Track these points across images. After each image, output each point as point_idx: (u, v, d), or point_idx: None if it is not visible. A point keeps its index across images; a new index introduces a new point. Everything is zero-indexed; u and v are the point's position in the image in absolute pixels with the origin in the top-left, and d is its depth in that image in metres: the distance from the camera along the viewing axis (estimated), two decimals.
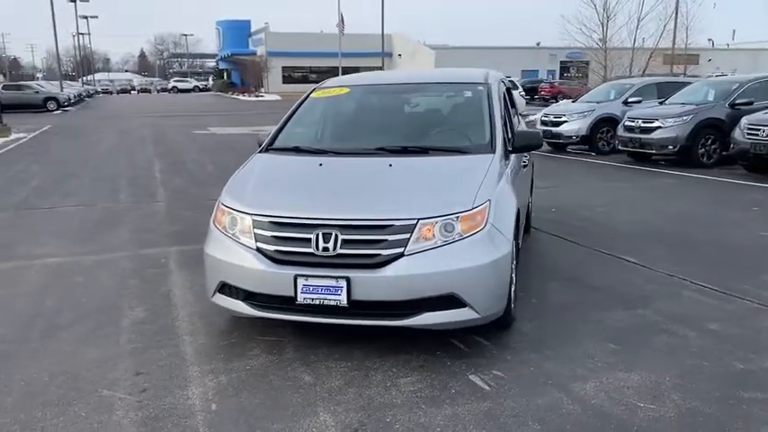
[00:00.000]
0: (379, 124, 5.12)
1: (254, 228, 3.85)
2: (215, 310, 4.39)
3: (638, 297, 4.87)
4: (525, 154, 5.69)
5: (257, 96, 49.69)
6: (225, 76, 64.75)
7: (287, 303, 3.73)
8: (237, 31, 61.64)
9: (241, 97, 50.82)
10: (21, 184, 11.08)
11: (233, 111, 35.51)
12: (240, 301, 3.91)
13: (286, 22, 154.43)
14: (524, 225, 6.24)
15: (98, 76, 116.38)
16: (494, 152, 4.39)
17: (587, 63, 39.92)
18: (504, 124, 4.83)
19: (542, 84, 44.39)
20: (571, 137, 14.62)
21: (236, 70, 61.55)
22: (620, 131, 13.05)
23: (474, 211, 3.76)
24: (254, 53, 59.02)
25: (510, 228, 3.94)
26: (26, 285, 5.39)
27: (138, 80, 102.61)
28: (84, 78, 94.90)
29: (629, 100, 14.54)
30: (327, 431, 3.05)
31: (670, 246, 6.40)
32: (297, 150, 4.70)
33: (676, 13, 30.32)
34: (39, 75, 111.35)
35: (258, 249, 3.80)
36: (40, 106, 36.27)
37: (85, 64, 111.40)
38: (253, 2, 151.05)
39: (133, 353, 3.98)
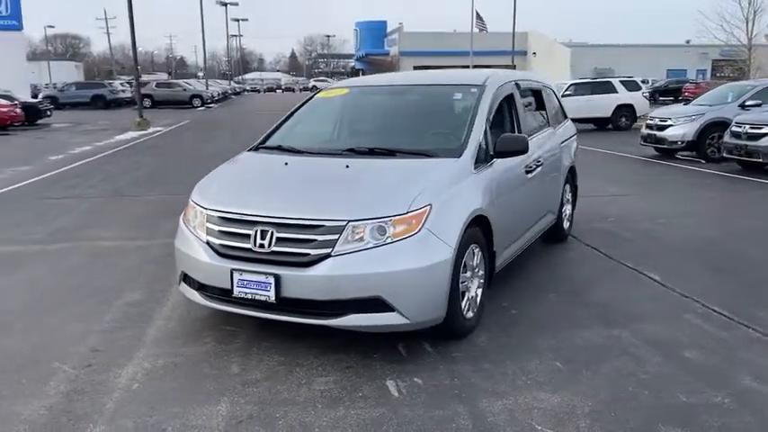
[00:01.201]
0: (361, 125, 5.17)
1: (206, 222, 4.07)
2: None
3: (629, 317, 4.54)
4: (540, 160, 5.48)
5: None
6: (359, 76, 66.69)
7: (226, 295, 3.91)
8: (374, 31, 63.11)
9: None
10: (127, 174, 12.23)
11: None
12: (195, 291, 4.15)
13: (423, 22, 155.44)
14: (544, 232, 6.04)
15: (251, 75, 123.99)
16: (458, 156, 4.29)
17: (744, 62, 36.51)
18: (491, 128, 4.69)
19: (687, 84, 41.39)
20: (675, 142, 13.59)
21: (371, 70, 63.07)
22: (726, 137, 11.96)
23: (409, 215, 3.71)
24: (387, 53, 60.22)
25: (454, 235, 3.83)
26: (65, 264, 6.01)
27: (285, 79, 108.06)
28: (239, 77, 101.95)
29: (747, 103, 13.25)
30: (214, 419, 3.19)
31: (713, 265, 5.84)
32: (279, 149, 4.86)
33: None
34: (200, 73, 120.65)
35: (207, 243, 4.01)
36: (186, 103, 39.48)
37: (241, 64, 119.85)
38: (399, 3, 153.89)
39: (105, 331, 4.35)
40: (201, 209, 4.15)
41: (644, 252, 6.28)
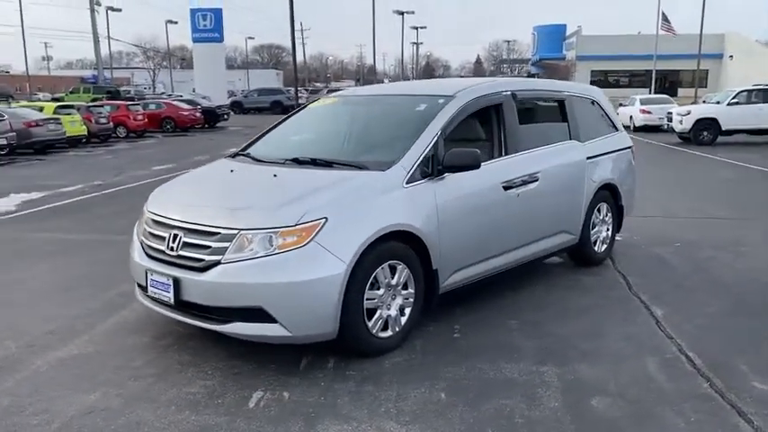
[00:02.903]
0: (322, 135, 5.16)
1: (143, 223, 4.36)
2: None
3: (579, 354, 4.08)
4: (537, 176, 5.08)
5: None
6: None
7: (146, 293, 4.17)
8: (553, 35, 61.03)
9: None
10: None
11: None
12: (138, 288, 4.46)
13: (608, 25, 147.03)
14: (571, 253, 5.93)
15: None
16: (385, 170, 4.15)
17: None
18: (458, 141, 4.47)
19: None
20: None
21: (546, 74, 61.17)
22: None
23: (298, 227, 3.69)
24: (563, 57, 58.03)
25: (351, 250, 3.73)
26: (107, 254, 6.69)
27: None
28: None
29: None
30: (72, 407, 3.43)
31: (747, 306, 4.98)
32: (248, 157, 5.01)
33: None
34: (386, 80, 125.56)
35: (141, 243, 4.30)
36: None
37: (426, 70, 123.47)
38: (588, 6, 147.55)
39: (75, 317, 4.81)
40: (145, 211, 4.46)
41: (676, 284, 5.55)
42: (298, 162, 4.54)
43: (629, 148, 6.62)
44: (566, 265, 6.15)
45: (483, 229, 4.68)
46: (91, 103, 25.40)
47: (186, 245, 3.92)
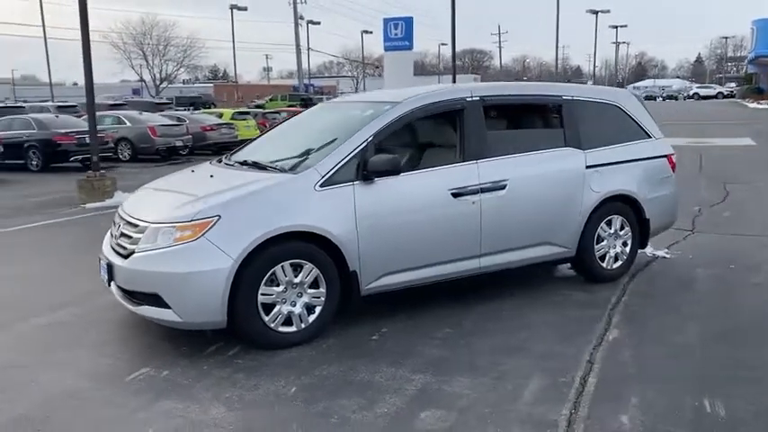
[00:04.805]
0: (284, 139, 5.41)
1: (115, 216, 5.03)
2: None
3: (468, 367, 3.95)
4: (504, 183, 4.91)
5: None
6: (752, 81, 57.72)
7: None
8: None
9: (749, 104, 44.67)
10: None
11: (719, 120, 30.62)
12: None
13: None
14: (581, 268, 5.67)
15: (644, 82, 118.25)
16: (296, 173, 4.36)
17: None
18: (371, 147, 4.50)
19: None
20: None
21: (764, 73, 54.12)
22: None
23: (192, 223, 4.06)
24: None
25: (238, 247, 4.00)
26: None
27: (677, 86, 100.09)
28: (631, 85, 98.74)
29: None
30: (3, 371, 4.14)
31: (728, 342, 4.36)
32: (225, 159, 5.45)
33: None
34: (589, 81, 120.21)
35: (110, 234, 4.96)
36: None
37: (637, 71, 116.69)
38: None
39: (85, 292, 5.60)
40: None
41: (675, 308, 5.00)
42: (246, 164, 4.91)
43: (664, 156, 6.00)
44: (574, 280, 5.77)
45: (420, 234, 4.65)
46: (267, 110, 27.95)
47: (122, 234, 4.48)
